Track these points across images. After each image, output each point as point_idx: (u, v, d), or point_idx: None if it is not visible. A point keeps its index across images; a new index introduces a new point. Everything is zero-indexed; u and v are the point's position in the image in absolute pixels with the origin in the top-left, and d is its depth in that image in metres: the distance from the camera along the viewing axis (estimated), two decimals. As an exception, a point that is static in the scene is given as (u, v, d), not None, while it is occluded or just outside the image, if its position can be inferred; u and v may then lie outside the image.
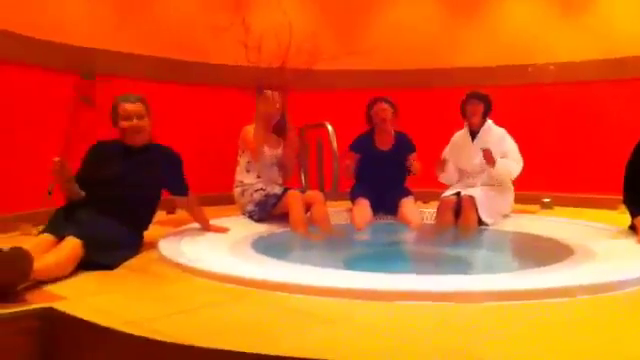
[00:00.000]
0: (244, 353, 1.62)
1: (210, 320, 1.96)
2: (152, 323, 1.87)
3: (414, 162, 4.38)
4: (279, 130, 4.30)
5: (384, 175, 4.44)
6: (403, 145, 4.54)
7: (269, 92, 4.21)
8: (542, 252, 3.40)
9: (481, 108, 4.39)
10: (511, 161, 4.28)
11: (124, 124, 3.09)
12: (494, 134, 4.39)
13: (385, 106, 4.50)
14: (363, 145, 4.58)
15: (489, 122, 4.44)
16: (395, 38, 6.00)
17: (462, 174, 4.47)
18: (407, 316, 1.95)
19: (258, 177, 4.20)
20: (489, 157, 4.16)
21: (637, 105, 4.97)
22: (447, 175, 4.47)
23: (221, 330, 1.84)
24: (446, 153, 4.52)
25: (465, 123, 4.49)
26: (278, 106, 4.22)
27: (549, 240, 3.53)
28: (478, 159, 4.29)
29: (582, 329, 1.83)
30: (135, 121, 3.09)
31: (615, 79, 5.22)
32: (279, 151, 4.28)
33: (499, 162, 4.18)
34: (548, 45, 5.60)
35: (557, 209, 4.87)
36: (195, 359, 1.67)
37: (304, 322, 1.92)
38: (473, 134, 4.43)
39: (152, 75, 5.04)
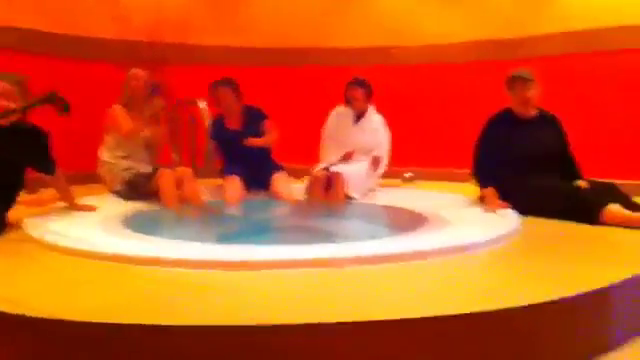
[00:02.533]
0: (143, 325, 1.65)
1: (95, 296, 1.96)
2: (29, 301, 1.84)
3: (262, 138, 4.47)
4: (148, 109, 4.20)
5: (245, 153, 4.44)
6: (253, 119, 4.60)
7: (133, 70, 4.12)
8: (402, 222, 3.68)
9: (360, 93, 4.61)
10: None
11: None
12: (373, 122, 4.66)
13: (225, 89, 4.52)
14: (217, 130, 4.63)
15: (371, 108, 4.69)
16: (270, 16, 6.05)
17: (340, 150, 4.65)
18: (277, 282, 2.10)
19: (125, 157, 4.10)
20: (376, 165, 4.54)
21: (490, 86, 5.39)
22: (328, 156, 4.62)
23: (109, 305, 1.84)
24: (327, 128, 4.71)
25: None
26: (142, 83, 4.16)
27: (408, 211, 3.82)
28: (362, 140, 4.57)
29: (436, 287, 2.08)
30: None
31: (476, 60, 5.61)
32: (147, 132, 4.19)
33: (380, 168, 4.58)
34: (418, 27, 5.89)
35: (418, 183, 5.27)
36: (92, 335, 1.67)
37: (188, 293, 1.98)
38: (357, 116, 4.65)
39: (14, 46, 4.73)
